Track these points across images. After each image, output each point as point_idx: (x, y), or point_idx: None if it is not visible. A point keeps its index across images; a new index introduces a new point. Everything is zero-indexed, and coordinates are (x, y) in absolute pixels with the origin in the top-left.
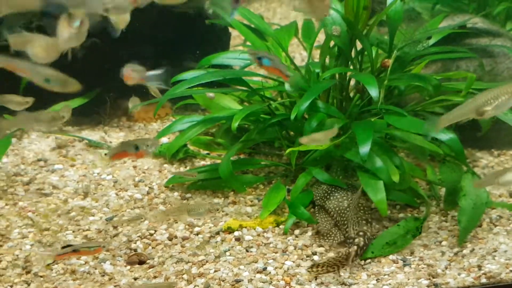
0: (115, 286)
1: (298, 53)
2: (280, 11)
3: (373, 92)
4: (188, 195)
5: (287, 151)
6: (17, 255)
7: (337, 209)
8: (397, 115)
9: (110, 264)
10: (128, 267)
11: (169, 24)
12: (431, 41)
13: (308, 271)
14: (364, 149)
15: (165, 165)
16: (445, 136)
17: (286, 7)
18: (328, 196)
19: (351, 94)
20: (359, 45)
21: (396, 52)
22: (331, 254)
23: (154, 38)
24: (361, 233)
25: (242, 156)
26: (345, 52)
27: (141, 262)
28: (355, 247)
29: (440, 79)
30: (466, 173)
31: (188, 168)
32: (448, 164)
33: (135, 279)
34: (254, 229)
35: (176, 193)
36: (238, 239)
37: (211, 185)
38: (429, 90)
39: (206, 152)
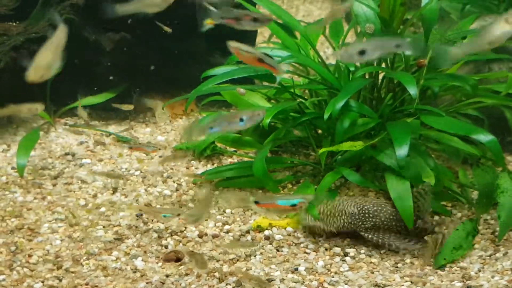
0: (147, 282)
1: (322, 51)
2: (303, 8)
3: (412, 90)
4: (216, 192)
5: (320, 151)
6: (48, 250)
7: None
8: (434, 115)
9: (142, 260)
10: (160, 263)
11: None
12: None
13: None
14: (402, 152)
15: (193, 162)
16: (485, 138)
17: (309, 4)
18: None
19: (382, 94)
20: None
21: (431, 52)
22: (363, 256)
23: (181, 33)
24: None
25: (268, 155)
26: None
27: (178, 260)
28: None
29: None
30: (502, 171)
31: (215, 165)
32: (482, 167)
33: (167, 276)
34: (285, 228)
35: (204, 190)
36: (268, 238)
37: (239, 183)
38: (467, 90)
39: (233, 149)
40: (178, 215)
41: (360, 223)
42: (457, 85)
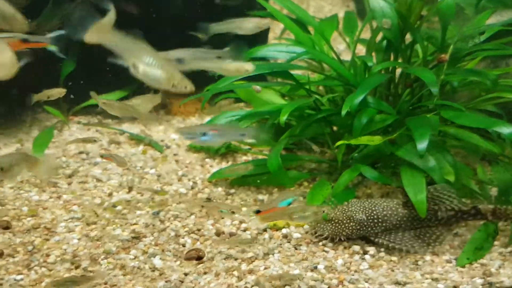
0: (166, 281)
1: (335, 47)
2: (314, 4)
3: (433, 87)
4: (232, 190)
5: (337, 143)
6: (65, 249)
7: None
8: (454, 110)
9: (160, 259)
10: (178, 262)
11: (210, 16)
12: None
13: None
14: (422, 144)
15: (207, 160)
16: (507, 130)
17: (320, 0)
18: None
19: (399, 90)
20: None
21: (452, 47)
22: (382, 254)
23: (195, 28)
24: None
25: (283, 152)
26: (395, 45)
27: (199, 258)
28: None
29: None
30: None
31: (230, 163)
32: (501, 164)
33: (186, 274)
34: (302, 226)
35: (219, 188)
36: (286, 236)
37: (255, 181)
38: (487, 85)
39: (247, 147)
40: (233, 212)
41: (370, 229)
42: (475, 81)
